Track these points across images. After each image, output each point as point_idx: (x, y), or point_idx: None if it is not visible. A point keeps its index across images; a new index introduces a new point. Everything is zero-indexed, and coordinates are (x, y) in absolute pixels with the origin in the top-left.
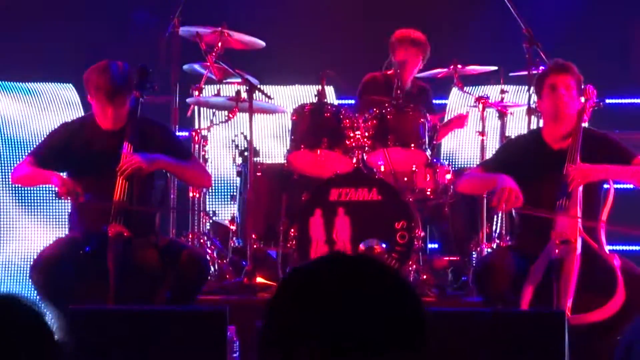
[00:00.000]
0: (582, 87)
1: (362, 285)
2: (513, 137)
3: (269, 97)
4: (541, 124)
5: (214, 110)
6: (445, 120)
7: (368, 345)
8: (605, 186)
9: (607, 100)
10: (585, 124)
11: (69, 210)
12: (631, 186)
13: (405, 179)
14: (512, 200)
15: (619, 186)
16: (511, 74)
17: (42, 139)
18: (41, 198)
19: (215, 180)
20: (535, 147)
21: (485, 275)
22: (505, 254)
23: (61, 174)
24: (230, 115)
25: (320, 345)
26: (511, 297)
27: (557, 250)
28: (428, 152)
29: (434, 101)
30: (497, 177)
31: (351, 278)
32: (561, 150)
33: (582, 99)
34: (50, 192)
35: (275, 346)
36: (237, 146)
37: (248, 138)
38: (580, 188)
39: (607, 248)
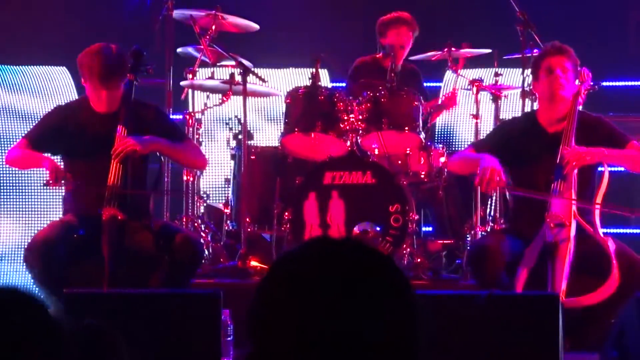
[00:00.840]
0: (578, 70)
1: (348, 270)
2: (507, 119)
3: (263, 80)
4: (535, 107)
5: (207, 93)
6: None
7: (354, 333)
8: (600, 169)
9: (604, 83)
10: (580, 107)
11: (63, 194)
12: (623, 169)
13: (399, 162)
14: (494, 180)
15: (612, 169)
16: (505, 57)
17: (36, 122)
18: (35, 182)
19: (209, 164)
20: (530, 129)
21: (480, 258)
22: (499, 237)
23: (56, 156)
24: (224, 98)
25: (312, 332)
26: (505, 280)
27: (551, 233)
28: (422, 135)
29: (425, 84)
30: (480, 157)
31: (337, 262)
32: (556, 133)
33: (577, 82)
34: (41, 176)
35: (257, 330)
36: (231, 129)
37: (242, 121)
38: (575, 171)
39: (602, 231)
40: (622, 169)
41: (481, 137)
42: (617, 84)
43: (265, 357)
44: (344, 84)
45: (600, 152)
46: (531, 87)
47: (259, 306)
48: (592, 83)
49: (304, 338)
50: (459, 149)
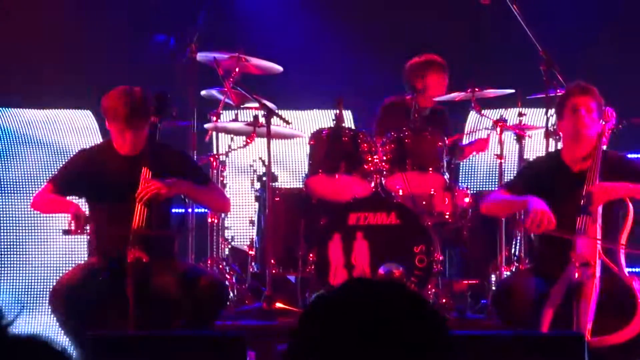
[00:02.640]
0: (603, 109)
1: (390, 311)
2: (532, 159)
3: (287, 122)
4: (559, 146)
5: (232, 135)
6: (467, 142)
7: None
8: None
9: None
10: (603, 147)
11: (88, 237)
12: None
13: (424, 202)
14: (544, 223)
15: None
16: (529, 97)
17: (61, 165)
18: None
19: (233, 206)
20: (555, 168)
21: (505, 298)
22: (525, 276)
23: (80, 199)
24: (248, 141)
25: None
26: (531, 320)
27: (576, 273)
28: (446, 176)
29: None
30: (528, 199)
31: (379, 304)
32: (581, 172)
33: (602, 122)
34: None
35: None
36: (255, 171)
37: (266, 163)
38: (600, 209)
39: (627, 270)
40: None
41: (505, 178)
42: None
43: None
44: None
45: (625, 187)
46: (555, 127)
47: (296, 348)
48: (615, 122)
49: None
50: (484, 189)
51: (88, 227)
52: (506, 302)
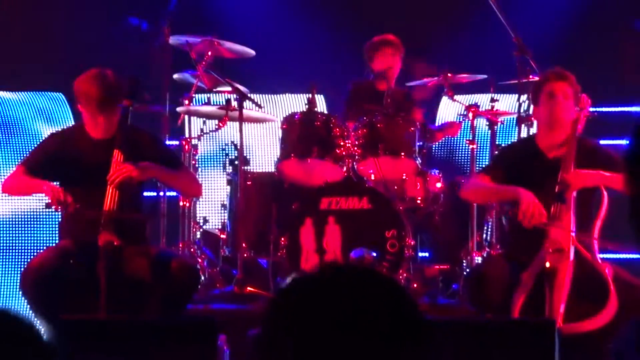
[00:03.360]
0: (579, 96)
1: (365, 297)
2: (506, 144)
3: (259, 106)
4: (532, 132)
5: (204, 119)
6: (438, 125)
7: (369, 354)
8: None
9: (599, 109)
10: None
11: (60, 220)
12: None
13: (396, 187)
14: (536, 216)
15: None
16: (501, 83)
17: (33, 148)
18: (30, 208)
19: (205, 189)
20: (530, 155)
21: (477, 284)
22: (497, 262)
23: (53, 183)
24: (221, 124)
25: (322, 355)
26: (503, 306)
27: (549, 259)
28: (418, 161)
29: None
30: (518, 191)
31: (353, 290)
32: (555, 159)
33: (577, 108)
34: (38, 202)
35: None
36: (227, 155)
37: (238, 147)
38: (574, 195)
39: (600, 257)
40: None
41: (477, 164)
42: (612, 109)
43: None
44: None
45: (599, 175)
46: (528, 113)
47: (266, 334)
48: (591, 109)
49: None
50: (455, 175)
51: (67, 202)
52: (478, 288)
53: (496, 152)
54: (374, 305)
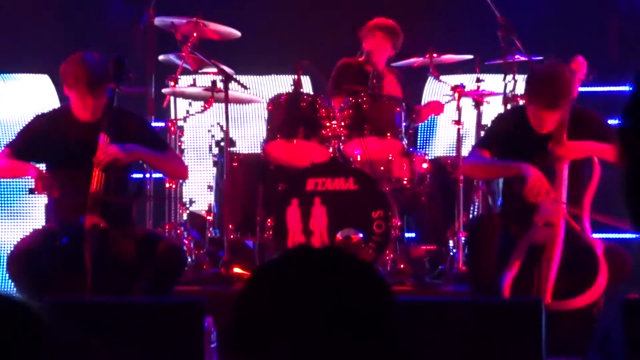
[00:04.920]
0: (571, 58)
1: (331, 278)
2: (497, 115)
3: (245, 87)
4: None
5: (190, 100)
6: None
7: (339, 336)
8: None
9: (581, 89)
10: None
11: (46, 202)
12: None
13: (382, 168)
14: (543, 192)
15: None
16: (487, 63)
17: (19, 130)
18: (17, 190)
19: (191, 171)
20: (522, 125)
21: (480, 224)
22: (494, 219)
23: (39, 165)
24: (206, 106)
25: (294, 339)
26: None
27: (540, 234)
28: (404, 141)
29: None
30: (523, 166)
31: (320, 271)
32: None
33: (571, 70)
34: (24, 184)
35: (248, 344)
36: (213, 136)
37: (224, 128)
38: (566, 167)
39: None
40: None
41: (464, 145)
42: (597, 89)
43: None
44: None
45: (590, 146)
46: (514, 93)
47: (239, 318)
48: (586, 72)
49: (284, 348)
50: (441, 155)
51: (52, 187)
52: (480, 228)
53: (489, 124)
54: (339, 286)
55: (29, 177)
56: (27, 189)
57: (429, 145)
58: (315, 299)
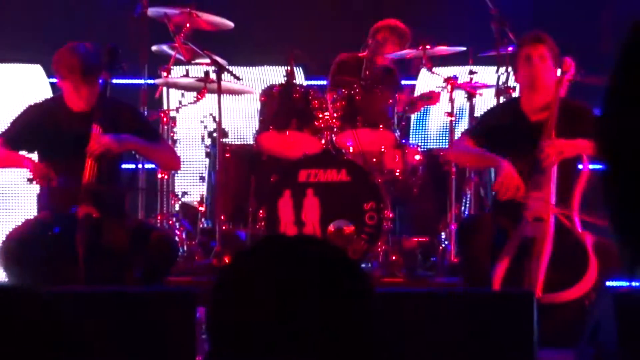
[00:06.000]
0: (559, 59)
1: (304, 267)
2: (491, 107)
3: (238, 78)
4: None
5: (182, 91)
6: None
7: (315, 327)
8: (580, 167)
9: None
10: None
11: (38, 192)
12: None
13: (374, 159)
14: (513, 190)
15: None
16: (480, 55)
17: (12, 120)
18: (8, 180)
19: (184, 162)
20: (513, 117)
21: (470, 227)
22: (485, 218)
23: (32, 154)
24: (199, 96)
25: (269, 329)
26: (487, 262)
27: (530, 228)
28: (397, 133)
29: (402, 82)
30: (500, 162)
31: (293, 260)
32: (538, 122)
33: (560, 71)
34: (16, 174)
35: (224, 336)
36: (205, 127)
37: (217, 119)
38: (555, 166)
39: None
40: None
41: (456, 137)
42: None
43: (222, 358)
44: (319, 82)
45: (580, 144)
46: (507, 85)
47: (214, 306)
48: (575, 72)
49: (258, 337)
50: (434, 147)
51: (50, 177)
52: (470, 232)
53: (481, 114)
54: (318, 274)
55: (24, 168)
56: (25, 179)
57: (421, 137)
58: (288, 287)
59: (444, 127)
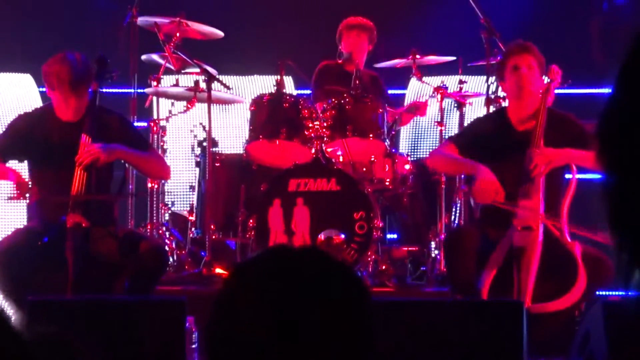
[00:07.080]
0: (546, 67)
1: (306, 280)
2: (480, 116)
3: (228, 88)
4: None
5: (172, 100)
6: (405, 106)
7: (315, 337)
8: (568, 176)
9: (565, 91)
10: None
11: (27, 201)
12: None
13: (364, 169)
14: (492, 194)
15: (584, 176)
16: (470, 64)
17: (2, 130)
18: None
19: (173, 171)
20: (500, 127)
21: (456, 239)
22: (471, 228)
23: (21, 164)
24: (189, 106)
25: (270, 341)
26: (475, 274)
27: (518, 237)
28: (387, 142)
29: (389, 91)
30: (478, 167)
31: (295, 272)
32: (525, 132)
33: (547, 80)
34: (4, 184)
35: (224, 345)
36: (195, 136)
37: (207, 128)
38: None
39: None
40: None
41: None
42: (579, 91)
43: None
44: (309, 91)
45: (568, 153)
46: (497, 94)
47: (215, 318)
48: (561, 80)
49: (261, 350)
50: (424, 156)
51: (29, 195)
52: (456, 244)
53: (467, 124)
54: (316, 287)
55: (7, 180)
56: (6, 197)
57: (411, 146)
58: (292, 299)
59: (434, 136)
